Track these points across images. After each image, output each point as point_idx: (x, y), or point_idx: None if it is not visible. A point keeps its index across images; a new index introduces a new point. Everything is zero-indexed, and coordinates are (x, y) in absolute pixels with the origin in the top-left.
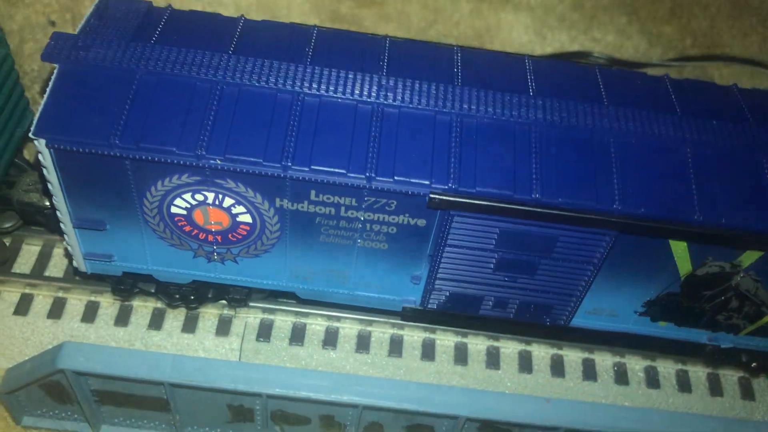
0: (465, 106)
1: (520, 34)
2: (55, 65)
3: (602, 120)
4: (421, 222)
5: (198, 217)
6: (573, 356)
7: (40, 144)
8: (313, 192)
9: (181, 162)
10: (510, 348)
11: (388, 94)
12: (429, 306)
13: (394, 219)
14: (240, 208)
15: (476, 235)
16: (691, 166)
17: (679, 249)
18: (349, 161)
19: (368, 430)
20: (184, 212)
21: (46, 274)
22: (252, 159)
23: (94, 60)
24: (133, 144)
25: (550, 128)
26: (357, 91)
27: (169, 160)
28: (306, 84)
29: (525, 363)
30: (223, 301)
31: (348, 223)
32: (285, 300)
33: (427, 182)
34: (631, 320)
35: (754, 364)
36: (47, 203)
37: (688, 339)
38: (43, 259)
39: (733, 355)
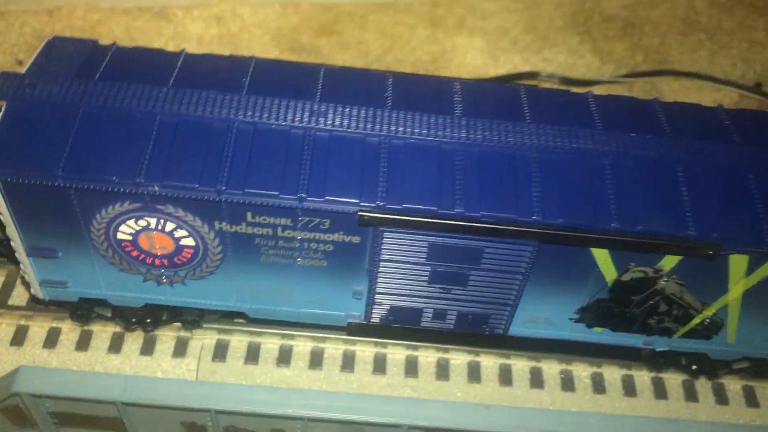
0: (393, 127)
1: (474, 58)
2: (2, 103)
3: (524, 137)
4: (356, 239)
5: (143, 242)
6: (521, 365)
7: None
8: (249, 214)
9: (122, 190)
10: (459, 359)
11: (320, 119)
12: (372, 320)
13: (329, 237)
14: (182, 232)
15: (407, 250)
16: (609, 177)
17: (602, 257)
18: (281, 183)
19: None
20: (130, 238)
21: (9, 303)
22: (188, 185)
23: (40, 97)
24: (76, 174)
25: (474, 147)
26: (290, 117)
27: (109, 189)
28: (241, 112)
29: (474, 373)
30: (178, 323)
31: (286, 243)
32: (239, 320)
33: (356, 201)
34: (567, 327)
35: (694, 367)
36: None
37: (624, 344)
38: (6, 288)
39: (673, 359)
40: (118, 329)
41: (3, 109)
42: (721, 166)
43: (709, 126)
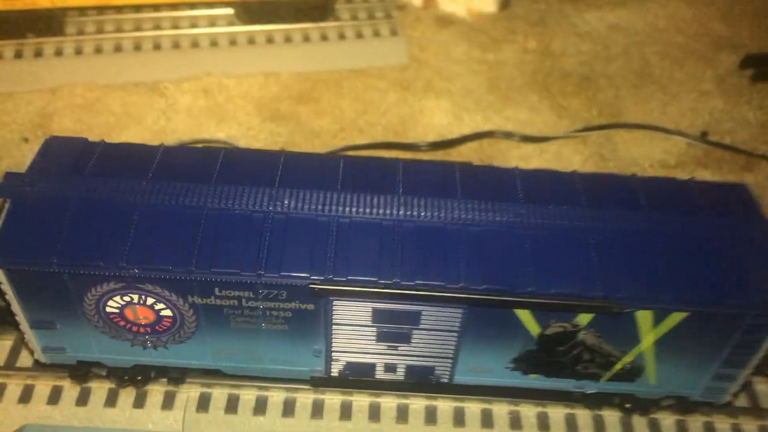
0: (341, 208)
1: (440, 118)
2: (7, 200)
3: (453, 212)
4: (310, 306)
5: (128, 314)
6: (473, 407)
7: None
8: (216, 289)
9: (107, 273)
10: (417, 404)
11: (277, 203)
12: (332, 374)
13: (287, 305)
14: (161, 305)
15: (355, 315)
16: (528, 245)
17: (524, 315)
18: (243, 262)
19: None
20: (117, 311)
21: (17, 365)
22: (163, 267)
23: (38, 194)
24: (68, 261)
25: (410, 222)
26: (251, 203)
27: (97, 272)
28: (209, 200)
29: (430, 416)
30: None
31: (251, 311)
32: (219, 375)
33: (307, 275)
34: (505, 375)
35: (627, 405)
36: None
37: (557, 388)
38: (14, 352)
39: (606, 399)
40: (112, 386)
41: (6, 206)
42: (630, 233)
43: (622, 194)
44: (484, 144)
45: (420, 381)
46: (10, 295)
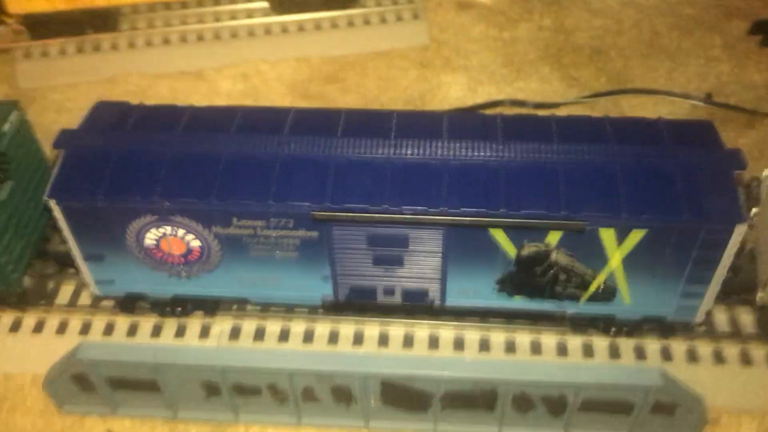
0: (339, 150)
1: (456, 91)
2: (62, 150)
3: (438, 151)
4: (314, 234)
5: (164, 245)
6: (472, 335)
7: (53, 204)
8: (234, 219)
9: (144, 207)
10: (422, 332)
11: (286, 147)
12: (340, 298)
13: (295, 233)
14: (191, 236)
15: (353, 240)
16: (502, 178)
17: (500, 236)
18: (255, 194)
19: (303, 394)
20: (154, 243)
21: (78, 303)
22: (189, 200)
23: (87, 145)
24: (111, 198)
25: (400, 160)
26: (263, 148)
27: (136, 207)
28: (227, 147)
29: (433, 342)
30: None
31: (265, 239)
32: (249, 308)
33: (308, 203)
34: (493, 297)
35: (612, 329)
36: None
37: (540, 309)
38: (75, 294)
39: (592, 323)
40: (156, 318)
41: (61, 155)
42: (595, 163)
43: (592, 132)
44: (496, 112)
45: (416, 303)
46: (66, 231)
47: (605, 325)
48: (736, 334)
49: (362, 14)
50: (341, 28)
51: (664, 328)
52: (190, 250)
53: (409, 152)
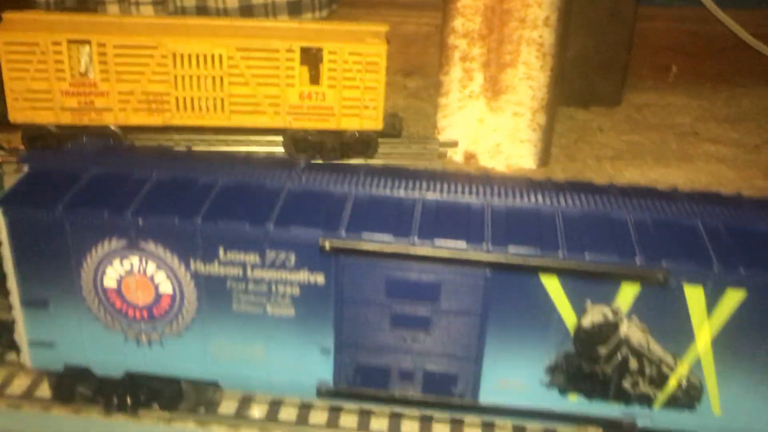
0: (361, 187)
1: None
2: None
3: (480, 196)
4: (320, 278)
5: (126, 289)
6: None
7: None
8: (221, 249)
9: (112, 225)
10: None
11: (297, 179)
12: (341, 384)
13: (295, 277)
14: (161, 275)
15: (368, 286)
16: (560, 222)
17: (555, 291)
18: (250, 217)
19: None
20: (115, 285)
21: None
22: (168, 218)
23: (60, 163)
24: (72, 210)
25: (433, 201)
26: (266, 179)
27: (102, 225)
28: (224, 176)
29: None
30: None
31: (256, 286)
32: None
33: (318, 230)
34: (539, 394)
35: None
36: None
37: (601, 415)
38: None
39: None
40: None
41: (25, 170)
42: (673, 220)
43: (659, 194)
44: None
45: (440, 394)
46: (7, 259)
47: None
48: None
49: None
50: None
51: None
52: (158, 298)
53: (444, 194)
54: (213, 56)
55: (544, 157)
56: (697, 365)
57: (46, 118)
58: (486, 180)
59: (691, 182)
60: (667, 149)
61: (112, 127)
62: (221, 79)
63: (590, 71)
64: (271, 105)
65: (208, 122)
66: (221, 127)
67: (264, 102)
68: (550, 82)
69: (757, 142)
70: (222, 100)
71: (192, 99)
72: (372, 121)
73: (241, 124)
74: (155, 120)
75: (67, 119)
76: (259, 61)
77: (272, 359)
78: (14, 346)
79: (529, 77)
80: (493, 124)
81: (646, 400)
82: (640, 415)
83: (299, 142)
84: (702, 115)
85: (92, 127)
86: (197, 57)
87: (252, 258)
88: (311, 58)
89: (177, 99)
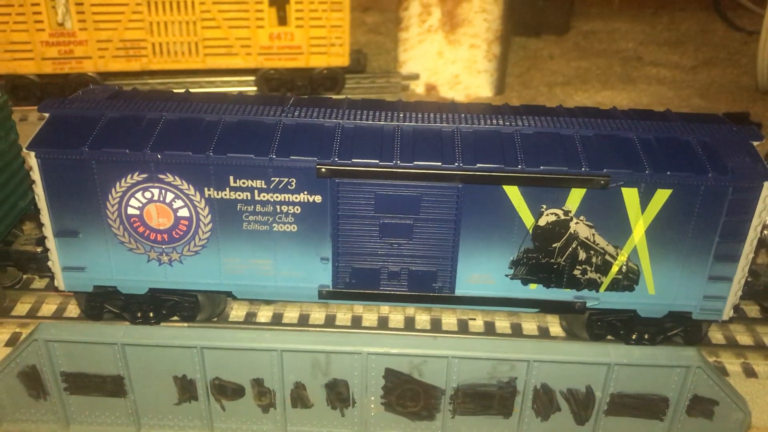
0: (346, 118)
1: None
2: (47, 114)
3: (449, 120)
4: (318, 198)
5: (148, 216)
6: (477, 321)
7: (31, 156)
8: (231, 178)
9: (133, 161)
10: (423, 317)
11: (289, 114)
12: (339, 286)
13: (296, 198)
14: (179, 203)
15: (359, 202)
16: (518, 140)
17: (516, 198)
18: (256, 149)
19: (294, 393)
20: (138, 212)
21: (38, 314)
22: (183, 153)
23: (77, 110)
24: (97, 149)
25: (409, 127)
26: (264, 113)
27: (124, 161)
28: (227, 114)
29: (436, 327)
30: (177, 318)
31: (262, 207)
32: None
33: (315, 158)
34: (505, 285)
35: (633, 336)
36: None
37: (557, 299)
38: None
39: (610, 328)
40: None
41: (47, 117)
42: (611, 134)
43: (600, 113)
44: None
45: (423, 291)
46: (41, 197)
47: (626, 331)
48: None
49: None
50: None
51: (691, 333)
52: (176, 222)
53: (418, 122)
54: (186, 1)
55: (500, 85)
56: (634, 253)
57: (27, 68)
58: (453, 108)
59: (634, 103)
60: (612, 74)
61: (90, 74)
62: (194, 23)
63: (540, 1)
64: (243, 47)
65: (184, 65)
66: (195, 70)
67: (236, 44)
68: (503, 14)
69: (694, 63)
70: (196, 44)
71: (168, 44)
72: (339, 57)
73: (215, 66)
74: (133, 66)
75: (48, 69)
76: (230, 5)
77: (279, 270)
78: (38, 274)
79: (483, 10)
80: (451, 56)
81: (594, 285)
82: (589, 297)
83: (270, 80)
84: (644, 40)
85: (72, 75)
86: (171, 3)
87: (258, 183)
88: (279, 0)
89: (153, 45)
